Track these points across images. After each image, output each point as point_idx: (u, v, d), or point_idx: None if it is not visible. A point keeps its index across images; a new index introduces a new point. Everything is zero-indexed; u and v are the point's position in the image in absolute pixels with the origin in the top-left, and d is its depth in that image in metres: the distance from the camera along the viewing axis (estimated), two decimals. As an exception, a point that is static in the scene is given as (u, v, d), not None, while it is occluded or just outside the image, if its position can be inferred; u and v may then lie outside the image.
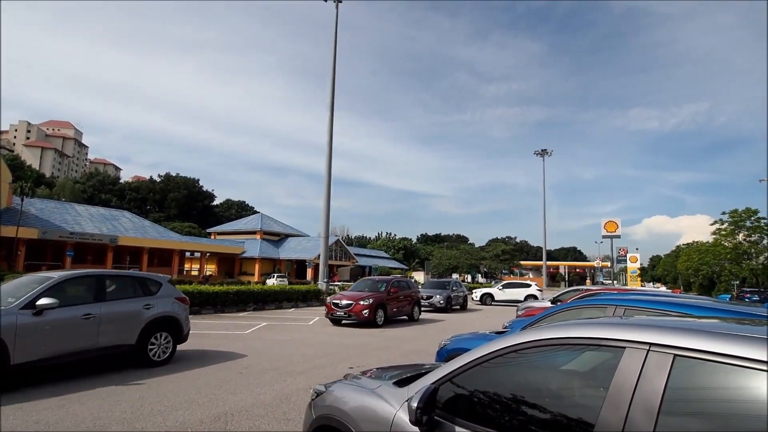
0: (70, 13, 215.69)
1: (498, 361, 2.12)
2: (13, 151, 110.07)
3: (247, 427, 4.77)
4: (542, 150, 66.88)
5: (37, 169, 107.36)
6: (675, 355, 1.56)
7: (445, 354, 5.68)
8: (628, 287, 33.95)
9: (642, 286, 56.04)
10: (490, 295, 30.17)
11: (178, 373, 7.18)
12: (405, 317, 16.77)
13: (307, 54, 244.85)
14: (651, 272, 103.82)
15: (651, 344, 1.63)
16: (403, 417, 2.21)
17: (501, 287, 31.10)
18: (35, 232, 34.66)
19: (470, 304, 27.89)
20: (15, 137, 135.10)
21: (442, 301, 21.77)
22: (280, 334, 12.13)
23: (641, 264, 68.80)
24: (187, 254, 52.65)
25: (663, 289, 48.54)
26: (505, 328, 7.77)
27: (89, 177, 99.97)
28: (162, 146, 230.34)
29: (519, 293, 29.55)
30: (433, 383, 2.20)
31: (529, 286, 30.97)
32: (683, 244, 77.60)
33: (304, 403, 5.57)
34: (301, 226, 71.05)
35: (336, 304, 14.61)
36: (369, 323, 14.27)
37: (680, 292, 30.02)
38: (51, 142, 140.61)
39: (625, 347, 1.70)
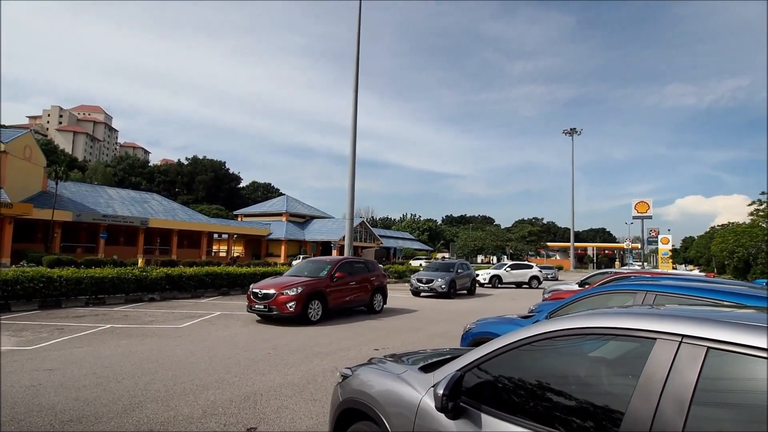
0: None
1: (525, 348, 2.11)
2: (46, 136, 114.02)
3: (276, 406, 4.92)
4: (571, 129, 65.18)
5: (70, 153, 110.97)
6: (708, 348, 1.52)
7: (470, 338, 5.69)
8: (659, 269, 33.13)
9: (673, 268, 54.59)
10: (498, 277, 28.61)
11: (212, 352, 7.45)
12: (364, 308, 13.38)
13: (332, 34, 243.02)
14: (683, 254, 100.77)
15: (683, 336, 1.60)
16: (429, 402, 2.24)
17: (508, 268, 29.62)
18: (70, 215, 36.06)
19: (480, 288, 26.48)
20: (48, 122, 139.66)
21: (444, 286, 19.26)
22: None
23: (673, 245, 66.87)
24: (215, 236, 53.94)
25: (696, 271, 47.15)
26: (531, 311, 7.72)
27: (120, 160, 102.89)
28: (189, 129, 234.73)
29: (524, 275, 29.10)
30: (458, 370, 2.21)
31: (531, 267, 30.57)
32: (718, 225, 74.82)
33: (330, 383, 5.70)
34: (326, 208, 71.83)
35: (255, 294, 11.10)
36: (298, 319, 10.74)
37: (714, 276, 29.05)
38: (82, 127, 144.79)
39: (656, 338, 1.66)
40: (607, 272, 13.84)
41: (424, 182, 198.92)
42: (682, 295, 3.98)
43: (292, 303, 10.60)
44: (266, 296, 10.81)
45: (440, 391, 2.03)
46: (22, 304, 11.86)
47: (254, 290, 11.20)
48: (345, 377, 3.04)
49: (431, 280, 19.61)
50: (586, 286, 11.08)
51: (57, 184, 36.27)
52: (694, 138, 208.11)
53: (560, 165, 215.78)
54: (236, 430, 4.27)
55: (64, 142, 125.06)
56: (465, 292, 21.50)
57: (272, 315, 10.76)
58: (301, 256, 46.76)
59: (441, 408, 2.05)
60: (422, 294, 19.90)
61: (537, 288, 28.15)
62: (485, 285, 27.81)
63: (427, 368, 2.61)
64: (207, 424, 4.37)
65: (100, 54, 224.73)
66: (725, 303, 3.63)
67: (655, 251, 64.64)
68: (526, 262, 35.64)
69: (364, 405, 2.67)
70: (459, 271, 20.92)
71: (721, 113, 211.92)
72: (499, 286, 28.12)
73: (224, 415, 4.63)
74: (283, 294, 10.72)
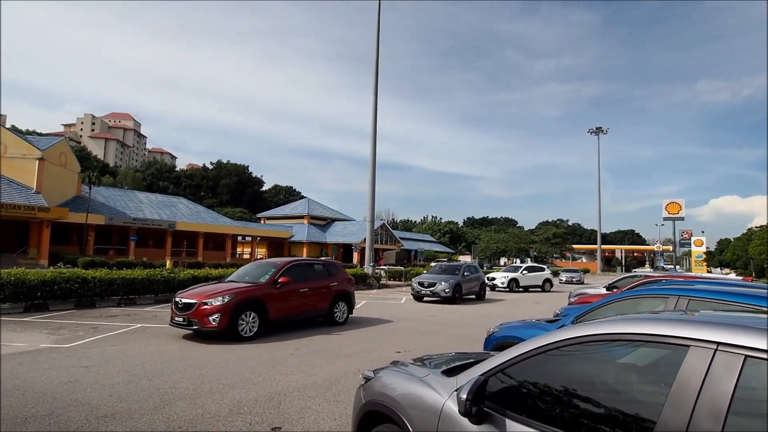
0: (129, 9, 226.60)
1: (551, 354, 2.07)
2: (80, 143, 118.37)
3: (299, 407, 4.96)
4: (597, 128, 63.75)
5: (102, 159, 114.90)
6: (746, 356, 1.46)
7: (493, 342, 5.61)
8: (692, 273, 32.01)
9: (708, 271, 52.67)
10: (516, 281, 26.85)
11: (236, 353, 7.59)
12: (322, 320, 11.05)
13: (350, 38, 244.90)
14: (718, 257, 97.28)
15: (719, 344, 1.54)
16: (452, 407, 2.22)
17: (525, 271, 27.99)
18: (102, 219, 37.33)
19: (495, 291, 25.36)
20: (81, 129, 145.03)
21: (448, 290, 17.59)
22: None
23: (707, 248, 64.60)
24: (239, 238, 54.90)
25: (732, 275, 45.33)
26: (556, 316, 7.57)
27: (148, 166, 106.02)
28: (212, 134, 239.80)
29: (539, 277, 28.08)
30: (482, 374, 2.18)
31: (544, 269, 29.53)
32: (756, 227, 71.95)
33: (352, 385, 5.72)
34: (346, 211, 72.11)
35: (176, 304, 9.06)
36: (225, 335, 8.62)
37: (752, 280, 27.93)
38: (113, 133, 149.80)
39: (689, 345, 1.61)
40: (636, 275, 13.47)
41: (443, 184, 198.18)
42: (717, 300, 3.82)
43: (216, 315, 8.45)
44: (187, 306, 8.69)
45: (464, 396, 2.01)
46: (59, 303, 12.35)
47: (176, 299, 9.13)
48: (368, 379, 3.05)
49: (434, 284, 17.94)
50: (614, 290, 10.80)
51: (90, 189, 37.64)
52: (729, 136, 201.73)
53: (584, 165, 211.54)
54: (261, 429, 4.32)
55: (96, 149, 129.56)
56: (473, 296, 19.87)
57: (193, 329, 8.67)
58: (323, 259, 47.16)
59: (464, 413, 2.03)
60: (425, 299, 18.37)
61: (550, 291, 27.27)
62: (498, 289, 26.30)
63: (450, 372, 2.59)
64: (233, 423, 4.46)
65: (128, 62, 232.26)
66: (765, 309, 3.47)
67: (688, 254, 62.51)
68: (539, 265, 34.61)
69: (386, 407, 2.66)
70: (465, 273, 19.28)
71: (758, 109, 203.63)
72: (516, 289, 26.67)
73: (250, 414, 4.71)
74: (205, 304, 8.54)
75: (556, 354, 2.06)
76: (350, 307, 11.59)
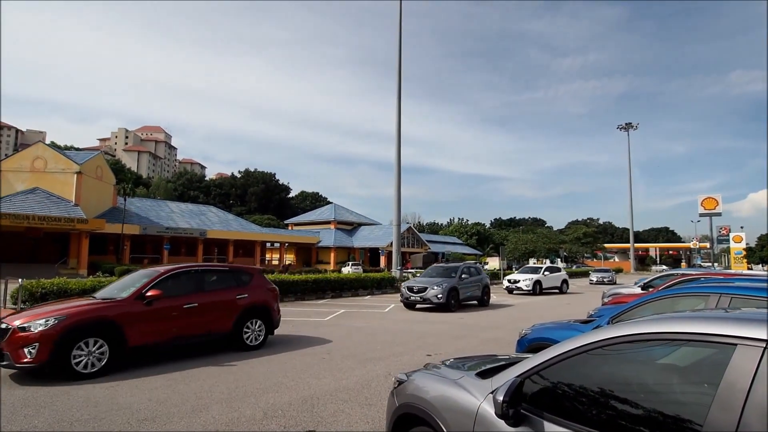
0: (156, 24, 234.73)
1: (588, 355, 2.04)
2: (114, 156, 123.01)
3: (332, 410, 5.00)
4: (626, 124, 62.09)
5: (135, 171, 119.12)
6: None
7: (526, 344, 5.53)
8: (732, 270, 30.69)
9: (749, 268, 50.34)
10: (539, 283, 24.47)
11: (267, 356, 7.71)
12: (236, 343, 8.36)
13: (373, 44, 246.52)
14: (759, 253, 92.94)
15: None
16: (488, 409, 2.20)
17: (546, 272, 25.62)
18: (137, 228, 38.70)
19: (512, 295, 23.22)
20: (116, 143, 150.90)
21: (441, 296, 15.29)
22: (357, 321, 12.50)
23: (747, 244, 61.75)
24: (268, 245, 55.91)
25: (775, 271, 43.21)
26: (590, 316, 7.39)
27: (179, 176, 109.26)
28: (240, 143, 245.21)
29: (558, 278, 26.23)
30: (518, 376, 2.16)
31: (560, 270, 27.98)
32: (799, 221, 68.33)
33: (384, 388, 5.73)
34: (371, 216, 72.56)
35: None
36: (52, 372, 6.21)
37: (796, 275, 26.43)
38: (145, 146, 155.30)
39: (736, 344, 1.55)
40: (673, 274, 13.02)
41: (469, 186, 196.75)
42: (762, 298, 3.67)
43: (33, 346, 6.03)
44: (2, 333, 6.27)
45: (500, 398, 2.00)
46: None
47: None
48: (401, 382, 3.05)
49: (424, 289, 15.62)
50: (650, 290, 10.47)
51: (125, 200, 39.15)
52: (766, 127, 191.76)
53: (613, 163, 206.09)
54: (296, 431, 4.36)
55: (130, 161, 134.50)
56: (475, 302, 17.42)
57: (2, 365, 6.19)
58: (351, 263, 47.36)
59: (501, 414, 2.01)
60: (417, 306, 16.10)
61: (567, 293, 25.43)
62: (519, 292, 24.08)
63: (485, 374, 2.57)
64: (268, 426, 4.53)
65: (157, 76, 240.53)
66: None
67: (727, 250, 59.89)
68: (555, 265, 33.16)
69: (420, 410, 2.67)
70: (463, 276, 16.77)
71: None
72: (542, 292, 24.52)
73: (284, 417, 4.77)
74: (24, 330, 6.13)
75: (593, 355, 2.03)
76: (270, 325, 8.92)
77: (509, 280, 17.89)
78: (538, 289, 23.96)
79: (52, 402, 5.24)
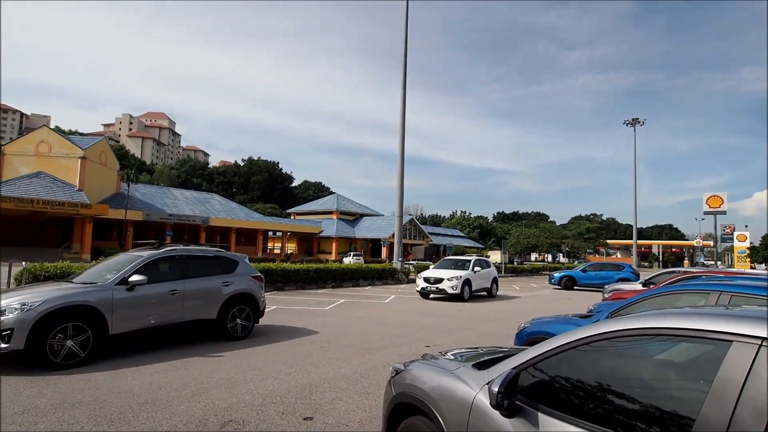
0: (161, 12, 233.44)
1: (585, 348, 2.04)
2: (118, 142, 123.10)
3: (330, 398, 5.05)
4: (633, 119, 61.42)
5: (139, 157, 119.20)
6: None
7: (525, 337, 5.56)
8: (735, 269, 30.62)
9: (752, 268, 50.20)
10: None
11: (266, 345, 7.76)
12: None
13: (378, 35, 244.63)
14: (763, 252, 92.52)
15: (764, 339, 1.49)
16: (483, 400, 2.22)
17: (477, 267, 17.63)
18: (140, 214, 38.83)
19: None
20: (120, 129, 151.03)
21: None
22: (357, 311, 12.56)
23: (751, 243, 61.52)
24: (270, 234, 56.03)
25: (777, 271, 42.99)
26: (589, 311, 7.41)
27: (182, 163, 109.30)
28: (244, 132, 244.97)
29: (486, 277, 18.75)
30: (514, 368, 2.17)
31: (490, 265, 25.93)
32: (804, 221, 67.89)
33: (382, 378, 5.77)
34: (374, 207, 72.44)
35: None
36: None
37: (799, 275, 26.31)
38: (149, 132, 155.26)
39: (732, 341, 1.55)
40: (674, 271, 13.01)
41: (472, 179, 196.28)
42: (762, 297, 3.67)
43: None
44: None
45: (495, 389, 2.01)
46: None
47: None
48: (398, 372, 3.07)
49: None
50: (651, 286, 10.47)
51: (129, 186, 39.17)
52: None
53: (619, 158, 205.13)
54: (293, 419, 4.43)
55: (134, 147, 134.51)
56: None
57: None
58: (352, 254, 47.49)
59: (496, 405, 2.02)
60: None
61: (496, 297, 20.91)
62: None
63: (481, 365, 2.58)
64: (266, 411, 4.59)
65: (161, 63, 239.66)
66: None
67: (731, 249, 59.74)
68: (484, 258, 32.26)
69: (417, 400, 2.69)
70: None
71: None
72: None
73: (282, 403, 4.83)
74: None
75: (590, 349, 2.03)
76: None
77: (426, 279, 16.00)
78: (467, 292, 16.61)
79: (55, 383, 5.32)
